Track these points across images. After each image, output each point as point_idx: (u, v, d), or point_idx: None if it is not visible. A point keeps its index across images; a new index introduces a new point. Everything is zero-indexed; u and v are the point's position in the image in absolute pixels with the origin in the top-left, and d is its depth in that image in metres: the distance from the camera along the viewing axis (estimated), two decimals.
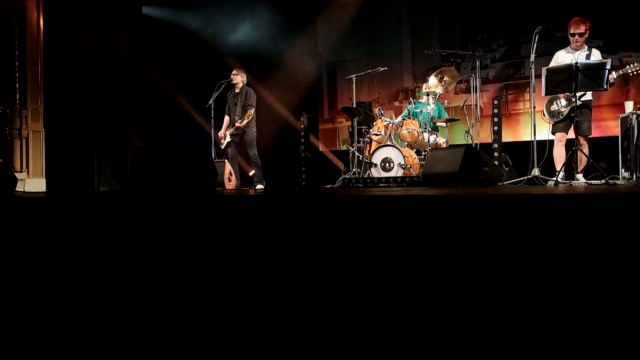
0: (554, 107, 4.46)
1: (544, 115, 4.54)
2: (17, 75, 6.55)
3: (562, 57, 4.52)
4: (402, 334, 1.17)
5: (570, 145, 4.29)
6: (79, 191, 5.80)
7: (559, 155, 4.50)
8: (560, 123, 4.48)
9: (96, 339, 1.45)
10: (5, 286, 1.62)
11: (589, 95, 4.40)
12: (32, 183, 6.42)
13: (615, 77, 4.07)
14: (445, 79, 5.68)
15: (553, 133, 4.56)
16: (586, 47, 4.44)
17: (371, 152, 5.61)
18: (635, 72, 4.15)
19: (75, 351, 1.47)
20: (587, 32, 4.40)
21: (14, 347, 1.53)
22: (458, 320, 1.13)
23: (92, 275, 1.52)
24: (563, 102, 4.44)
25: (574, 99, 4.20)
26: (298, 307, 1.27)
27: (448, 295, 1.15)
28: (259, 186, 5.92)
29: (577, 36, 4.38)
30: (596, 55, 4.39)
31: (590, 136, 4.46)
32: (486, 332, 1.11)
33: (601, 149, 5.79)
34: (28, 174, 6.49)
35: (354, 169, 5.80)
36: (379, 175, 5.42)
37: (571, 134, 4.48)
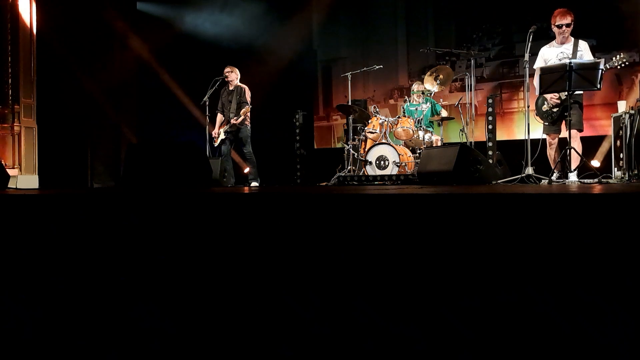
0: (546, 107, 4.45)
1: (536, 115, 4.54)
2: (10, 71, 6.49)
3: (549, 54, 4.47)
4: (399, 332, 1.18)
5: (563, 145, 4.31)
6: (72, 188, 5.77)
7: (553, 159, 4.51)
8: (552, 125, 4.46)
9: (91, 337, 1.45)
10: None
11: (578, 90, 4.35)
12: (25, 180, 6.37)
13: (603, 71, 4.01)
14: (440, 77, 5.69)
15: (545, 134, 4.55)
16: (572, 39, 4.40)
17: (366, 150, 5.62)
18: (621, 65, 4.12)
19: (70, 350, 1.46)
20: (573, 23, 4.31)
21: (6, 345, 1.53)
22: (455, 318, 1.14)
23: (87, 274, 1.51)
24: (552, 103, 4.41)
25: (564, 97, 4.20)
26: (295, 306, 1.27)
27: (444, 293, 1.16)
28: (254, 184, 5.91)
29: (564, 27, 4.29)
30: (583, 48, 4.32)
31: (583, 135, 4.46)
32: (484, 330, 1.12)
33: (594, 148, 5.84)
34: (20, 170, 6.43)
35: (349, 167, 5.81)
36: (374, 173, 5.43)
37: (564, 133, 4.49)
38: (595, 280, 1.05)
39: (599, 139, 5.91)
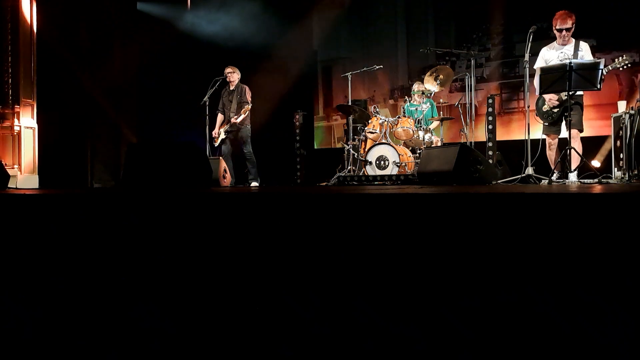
0: (546, 107, 4.45)
1: (536, 115, 4.53)
2: (10, 71, 6.49)
3: (549, 55, 4.47)
4: (399, 332, 1.18)
5: (563, 146, 4.31)
6: (72, 188, 5.77)
7: (552, 160, 4.50)
8: (552, 126, 4.46)
9: (91, 337, 1.45)
10: None
11: (579, 91, 4.35)
12: (25, 180, 6.38)
13: (605, 72, 4.01)
14: (440, 77, 5.69)
15: (545, 134, 4.55)
16: (573, 40, 4.39)
17: (366, 150, 5.62)
18: (624, 67, 4.12)
19: (70, 350, 1.46)
20: (574, 25, 4.32)
21: (6, 345, 1.53)
22: (455, 318, 1.14)
23: (87, 274, 1.51)
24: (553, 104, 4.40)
25: (565, 98, 4.20)
26: (295, 306, 1.27)
27: (444, 293, 1.16)
28: (254, 184, 5.91)
29: (564, 31, 4.31)
30: (584, 49, 4.32)
31: (583, 135, 4.46)
32: (484, 330, 1.12)
33: (594, 148, 5.84)
34: (20, 170, 6.44)
35: (349, 167, 5.81)
36: (374, 174, 5.43)
37: (563, 134, 4.48)
38: (595, 280, 1.05)
39: (599, 139, 5.90)
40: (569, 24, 4.30)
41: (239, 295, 1.33)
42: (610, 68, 4.16)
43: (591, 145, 5.73)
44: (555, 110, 4.38)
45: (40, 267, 1.55)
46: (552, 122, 4.44)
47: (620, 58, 4.10)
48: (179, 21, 8.34)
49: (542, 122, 4.52)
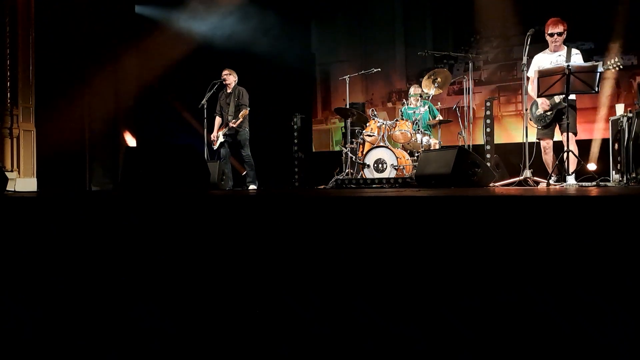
0: (540, 111, 4.46)
1: (530, 119, 4.54)
2: (9, 73, 6.49)
3: (542, 60, 4.49)
4: (399, 332, 1.18)
5: (558, 149, 4.31)
6: (71, 191, 5.74)
7: (549, 163, 4.50)
8: (545, 129, 4.46)
9: (91, 337, 1.44)
10: None
11: (572, 95, 4.34)
12: (23, 183, 6.36)
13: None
14: (438, 80, 5.70)
15: (538, 139, 4.54)
16: (564, 47, 4.44)
17: (364, 153, 5.62)
18: (615, 67, 4.13)
19: (70, 350, 1.46)
20: (565, 32, 4.36)
21: (6, 345, 1.52)
22: (455, 318, 1.14)
23: (87, 274, 1.51)
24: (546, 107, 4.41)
25: (558, 101, 4.22)
26: (295, 306, 1.27)
27: (444, 293, 1.16)
28: (252, 187, 5.90)
29: (556, 36, 4.33)
30: (575, 56, 4.35)
31: (581, 138, 4.46)
32: (484, 330, 1.12)
33: (592, 151, 5.85)
34: (19, 173, 6.43)
35: (347, 170, 5.81)
36: (371, 177, 5.43)
37: (557, 137, 4.49)
38: (595, 280, 1.05)
39: (597, 142, 5.92)
40: (560, 28, 4.35)
41: (239, 295, 1.33)
42: (603, 69, 4.15)
43: (589, 148, 5.75)
44: (548, 113, 4.40)
45: (40, 267, 1.55)
46: (545, 125, 4.45)
47: (613, 60, 4.11)
48: (177, 24, 8.35)
49: (535, 126, 4.52)
